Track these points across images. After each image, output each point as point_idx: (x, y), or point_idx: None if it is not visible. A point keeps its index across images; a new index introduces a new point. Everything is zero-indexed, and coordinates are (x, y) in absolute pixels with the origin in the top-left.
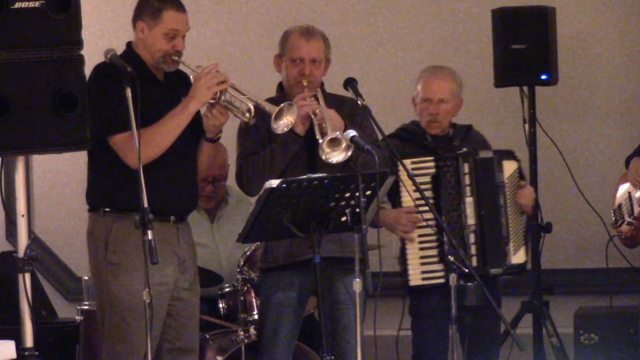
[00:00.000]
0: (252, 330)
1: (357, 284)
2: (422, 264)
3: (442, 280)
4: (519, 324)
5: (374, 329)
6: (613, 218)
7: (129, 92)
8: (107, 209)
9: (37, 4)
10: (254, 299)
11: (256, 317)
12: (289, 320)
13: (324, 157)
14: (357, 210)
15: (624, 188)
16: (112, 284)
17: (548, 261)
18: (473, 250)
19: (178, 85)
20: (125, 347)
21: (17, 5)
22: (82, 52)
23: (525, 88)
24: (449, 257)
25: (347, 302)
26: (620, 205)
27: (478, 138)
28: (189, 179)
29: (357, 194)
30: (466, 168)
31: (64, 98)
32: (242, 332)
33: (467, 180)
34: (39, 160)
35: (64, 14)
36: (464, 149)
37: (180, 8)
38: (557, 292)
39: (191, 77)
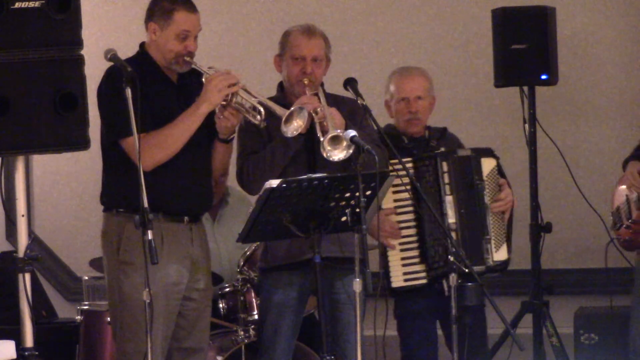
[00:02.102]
0: (252, 330)
1: (357, 284)
2: (404, 265)
3: (424, 281)
4: (519, 324)
5: (374, 329)
6: (612, 221)
7: (129, 92)
8: (121, 209)
9: (37, 4)
10: (254, 299)
11: (256, 317)
12: (289, 320)
13: (325, 155)
14: (357, 210)
15: (622, 191)
16: (123, 283)
17: (548, 261)
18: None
19: (191, 86)
20: (135, 345)
21: (17, 5)
22: (82, 52)
23: (525, 88)
24: (449, 257)
25: (347, 302)
26: (618, 208)
27: (454, 139)
28: (203, 180)
29: (357, 194)
30: (445, 167)
31: (64, 98)
32: (242, 332)
33: (446, 179)
34: (39, 160)
35: (64, 14)
36: (442, 149)
37: (192, 9)
38: (557, 292)
39: (203, 78)
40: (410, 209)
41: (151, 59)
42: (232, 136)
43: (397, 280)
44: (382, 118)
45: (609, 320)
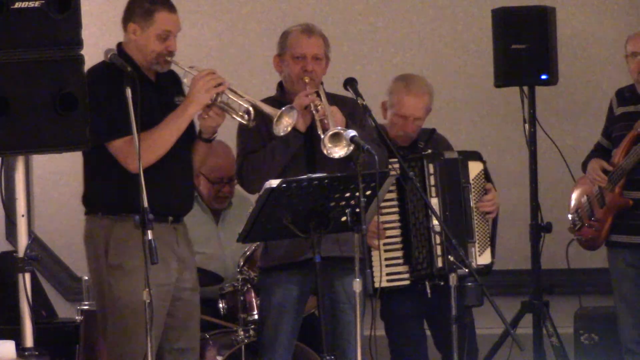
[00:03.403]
0: (252, 330)
1: (357, 284)
2: (387, 265)
3: (407, 282)
4: (519, 324)
5: (375, 329)
6: (571, 223)
7: (129, 92)
8: (106, 212)
9: (37, 4)
10: (254, 299)
11: (256, 317)
12: (289, 320)
13: (325, 152)
14: (357, 210)
15: (580, 192)
16: (113, 287)
17: (548, 261)
18: (439, 251)
19: (169, 86)
20: (128, 348)
21: (17, 5)
22: (82, 52)
23: (525, 88)
24: (449, 257)
25: (347, 302)
26: (578, 209)
27: (442, 141)
28: (185, 180)
29: (357, 194)
30: (431, 169)
31: (64, 98)
32: (242, 332)
33: (432, 181)
34: (39, 160)
35: (64, 14)
36: (429, 151)
37: (172, 9)
38: (557, 292)
39: (184, 78)
40: (395, 209)
41: (130, 59)
42: (214, 136)
43: (380, 280)
44: (382, 118)
45: (609, 320)
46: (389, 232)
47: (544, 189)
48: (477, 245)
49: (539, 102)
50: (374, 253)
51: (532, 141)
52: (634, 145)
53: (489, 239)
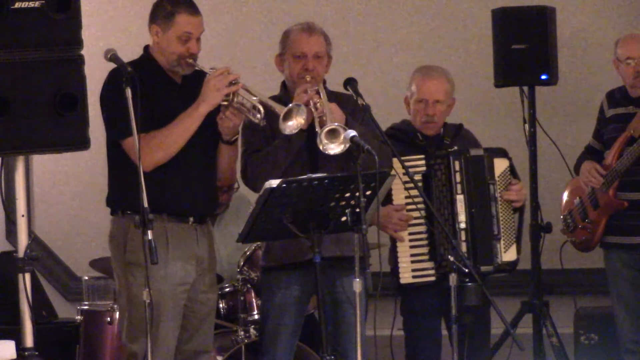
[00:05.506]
0: (252, 330)
1: (357, 284)
2: (413, 261)
3: (432, 278)
4: (519, 324)
5: (374, 329)
6: (563, 225)
7: (128, 93)
8: (128, 212)
9: (37, 4)
10: (254, 299)
11: (256, 317)
12: (290, 320)
13: (321, 148)
14: (357, 210)
15: (571, 194)
16: (131, 284)
17: (548, 261)
18: (464, 247)
19: (195, 88)
20: (144, 345)
21: (17, 5)
22: (82, 52)
23: (525, 88)
24: (449, 257)
25: (349, 302)
26: (571, 212)
27: (469, 137)
28: (208, 182)
29: (357, 194)
30: (457, 166)
31: (64, 98)
32: (242, 332)
33: (458, 177)
34: (39, 160)
35: (64, 14)
36: (455, 148)
37: (194, 11)
38: (557, 292)
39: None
40: (422, 205)
41: (154, 61)
42: (235, 137)
43: (406, 276)
44: (382, 118)
45: (609, 320)
46: (415, 229)
47: (544, 189)
48: (502, 241)
49: (538, 102)
50: (400, 249)
51: (532, 141)
52: (627, 147)
53: (514, 235)
